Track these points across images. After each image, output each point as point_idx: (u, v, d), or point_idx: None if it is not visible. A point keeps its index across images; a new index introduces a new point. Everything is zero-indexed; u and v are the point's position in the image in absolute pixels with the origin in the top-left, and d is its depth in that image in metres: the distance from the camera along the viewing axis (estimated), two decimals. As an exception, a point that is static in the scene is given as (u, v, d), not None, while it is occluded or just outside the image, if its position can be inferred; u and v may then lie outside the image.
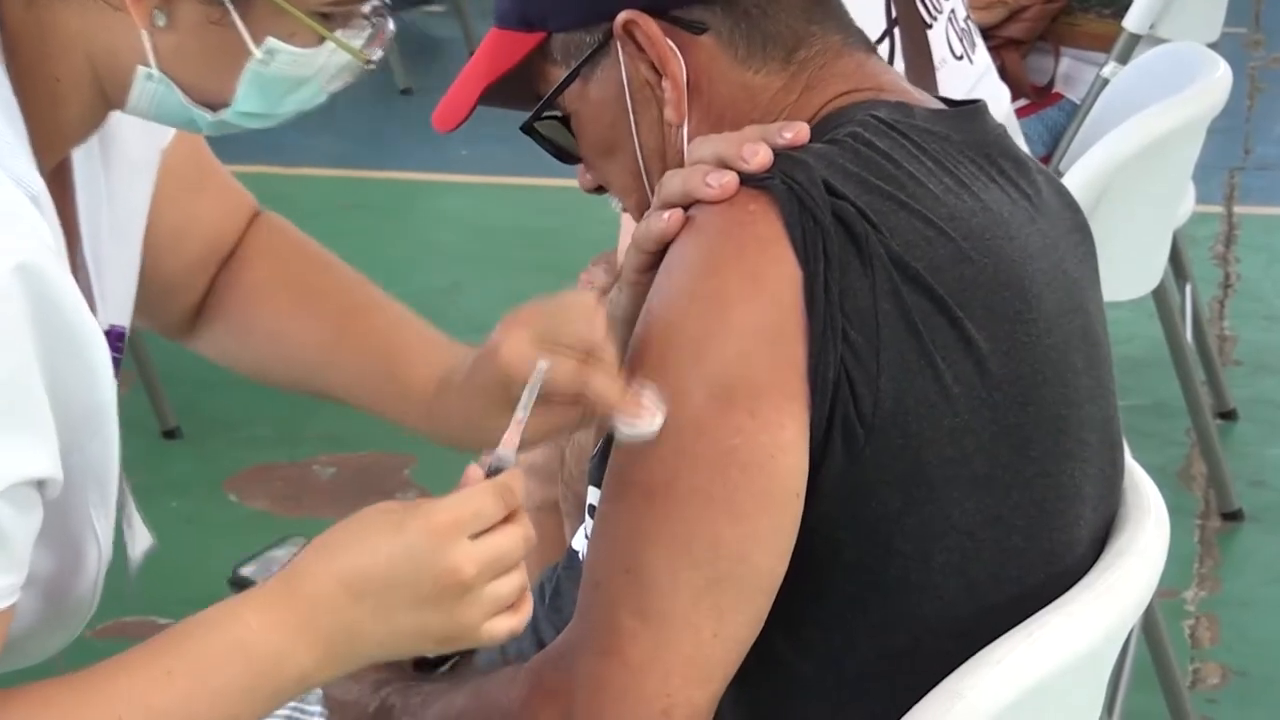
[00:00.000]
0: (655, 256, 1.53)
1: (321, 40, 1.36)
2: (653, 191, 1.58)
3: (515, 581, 1.35)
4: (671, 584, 1.44)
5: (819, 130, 1.55)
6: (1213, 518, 3.85)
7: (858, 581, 1.49)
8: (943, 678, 1.45)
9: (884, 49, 2.74)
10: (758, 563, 1.45)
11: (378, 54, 1.41)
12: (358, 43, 1.39)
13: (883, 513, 1.47)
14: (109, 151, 1.50)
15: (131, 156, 1.53)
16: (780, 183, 1.47)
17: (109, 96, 1.38)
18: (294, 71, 1.37)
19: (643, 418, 1.42)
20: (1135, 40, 3.68)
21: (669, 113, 1.59)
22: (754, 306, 1.45)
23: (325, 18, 1.36)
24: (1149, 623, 2.91)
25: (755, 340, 1.45)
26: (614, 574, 1.46)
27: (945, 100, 1.64)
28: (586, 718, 1.45)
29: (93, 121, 1.41)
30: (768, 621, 1.48)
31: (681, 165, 1.56)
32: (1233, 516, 3.84)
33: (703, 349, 1.45)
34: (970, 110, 1.61)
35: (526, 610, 1.36)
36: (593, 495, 1.58)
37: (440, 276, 5.09)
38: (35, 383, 1.26)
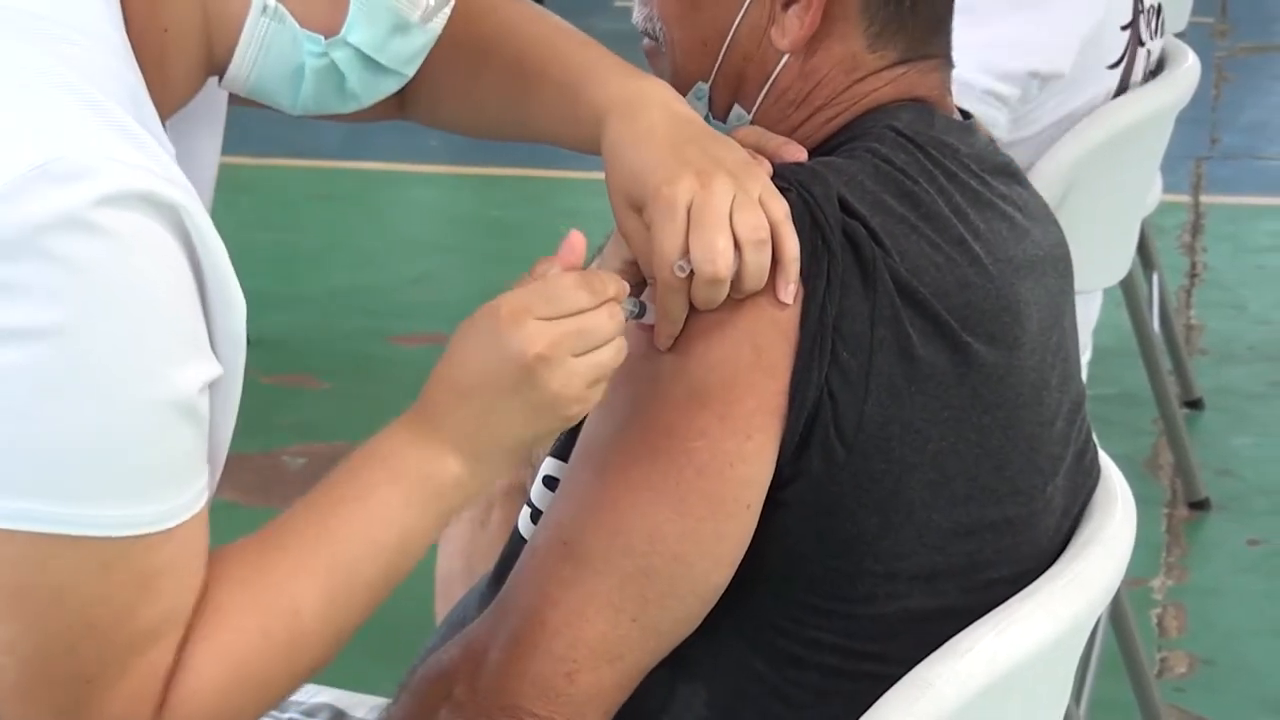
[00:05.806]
0: None
1: None
2: (716, 75, 1.57)
3: (602, 356, 1.39)
4: (604, 564, 1.45)
5: (849, 128, 1.55)
6: (1180, 507, 3.86)
7: (821, 594, 1.49)
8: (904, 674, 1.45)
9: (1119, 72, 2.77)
10: (693, 565, 1.45)
11: None
12: None
13: (857, 533, 1.47)
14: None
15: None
16: (796, 195, 1.47)
17: (214, 50, 1.40)
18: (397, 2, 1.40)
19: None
20: (1103, 30, 3.68)
21: (777, 35, 1.56)
22: (748, 315, 1.44)
23: None
24: (1116, 612, 2.91)
25: (741, 348, 1.45)
26: (553, 543, 1.47)
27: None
28: (496, 668, 1.46)
29: (193, 84, 1.43)
30: (724, 622, 1.48)
31: (761, 85, 1.55)
32: (1199, 505, 3.85)
33: (690, 346, 1.45)
34: (969, 124, 1.61)
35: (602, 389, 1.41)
36: (549, 466, 1.58)
37: (409, 266, 5.08)
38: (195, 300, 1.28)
